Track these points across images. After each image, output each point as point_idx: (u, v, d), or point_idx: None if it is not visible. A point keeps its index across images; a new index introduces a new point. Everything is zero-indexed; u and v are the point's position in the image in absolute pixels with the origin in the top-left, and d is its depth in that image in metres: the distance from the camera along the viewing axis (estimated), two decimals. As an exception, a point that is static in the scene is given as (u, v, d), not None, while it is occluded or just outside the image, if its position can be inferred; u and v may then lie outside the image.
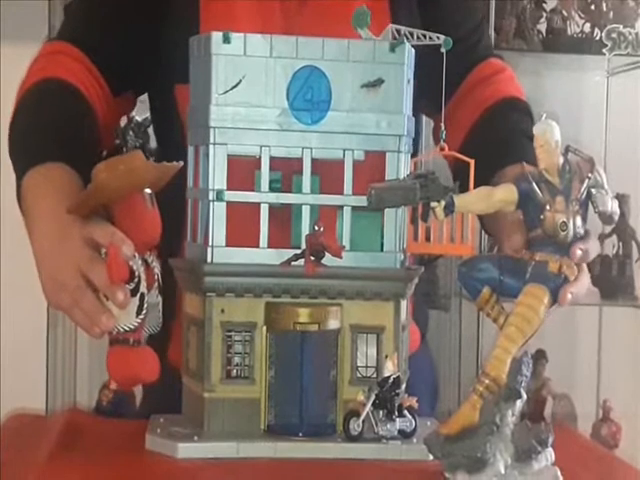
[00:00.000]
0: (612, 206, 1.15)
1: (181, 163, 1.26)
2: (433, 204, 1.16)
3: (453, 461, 1.12)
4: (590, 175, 1.14)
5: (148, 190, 1.21)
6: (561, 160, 1.14)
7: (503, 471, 1.11)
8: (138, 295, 1.21)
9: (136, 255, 1.20)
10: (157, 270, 1.24)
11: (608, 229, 3.00)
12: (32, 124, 1.45)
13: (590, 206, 1.16)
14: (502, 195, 1.15)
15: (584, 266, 1.19)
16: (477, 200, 1.17)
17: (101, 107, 1.51)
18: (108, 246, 1.18)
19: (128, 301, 1.19)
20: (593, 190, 1.14)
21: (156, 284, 1.24)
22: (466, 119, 1.56)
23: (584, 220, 1.15)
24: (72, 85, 1.48)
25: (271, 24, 1.49)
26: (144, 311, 1.21)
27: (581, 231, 1.15)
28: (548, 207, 1.13)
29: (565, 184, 1.14)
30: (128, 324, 1.21)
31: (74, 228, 1.22)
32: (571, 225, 1.13)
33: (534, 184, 1.13)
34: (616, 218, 1.17)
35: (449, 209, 1.15)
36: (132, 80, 1.57)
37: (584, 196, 1.14)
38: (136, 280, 1.20)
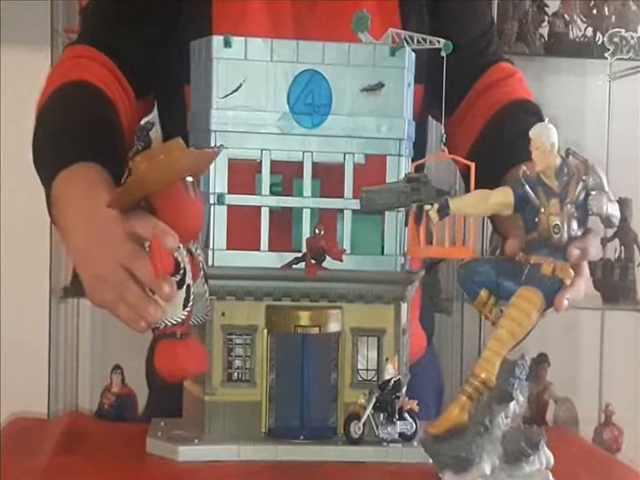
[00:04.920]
0: (609, 208, 1.15)
1: (221, 148, 1.25)
2: (426, 207, 1.16)
3: (441, 460, 1.12)
4: (584, 177, 1.14)
5: (189, 178, 1.18)
6: (558, 162, 1.14)
7: (488, 472, 1.11)
8: (184, 287, 1.17)
9: (180, 246, 1.16)
10: (201, 258, 1.20)
11: (610, 233, 3.00)
12: (58, 127, 1.43)
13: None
14: (498, 198, 1.15)
15: (583, 270, 1.19)
16: (473, 203, 1.17)
17: (124, 109, 1.50)
18: (151, 239, 1.15)
19: (174, 294, 1.16)
20: (592, 192, 1.14)
21: (202, 273, 1.21)
22: (477, 121, 1.56)
23: (582, 223, 1.15)
24: (96, 87, 1.47)
25: (282, 26, 1.49)
26: (190, 302, 1.18)
27: (577, 234, 1.14)
28: (542, 210, 1.13)
29: (562, 187, 1.14)
30: (175, 317, 1.17)
31: (115, 223, 1.19)
32: (565, 228, 1.13)
33: (527, 187, 1.13)
34: (615, 221, 1.17)
35: (444, 212, 1.15)
36: (155, 83, 1.57)
37: (581, 198, 1.14)
38: (182, 272, 1.17)
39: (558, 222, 1.13)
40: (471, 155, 1.53)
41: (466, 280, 1.18)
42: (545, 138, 1.13)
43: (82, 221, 1.26)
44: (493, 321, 1.17)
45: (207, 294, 1.22)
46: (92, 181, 1.30)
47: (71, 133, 1.41)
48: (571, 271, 1.15)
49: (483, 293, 1.17)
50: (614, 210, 1.15)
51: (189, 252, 1.19)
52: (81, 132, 1.40)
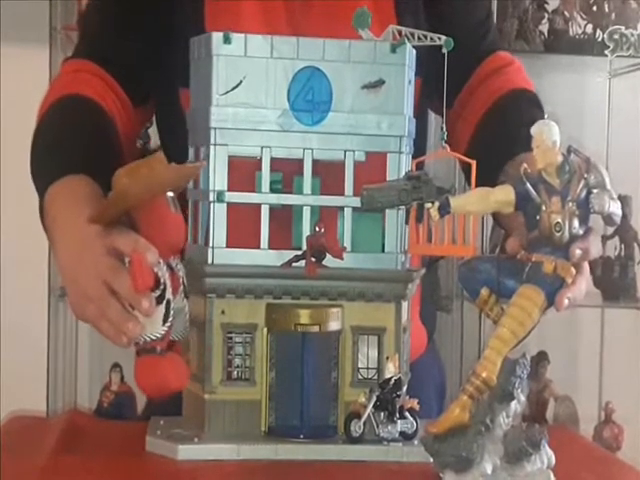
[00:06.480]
0: (610, 207, 1.14)
1: (204, 163, 1.25)
2: (427, 205, 1.16)
3: (442, 460, 1.12)
4: (586, 175, 1.13)
5: (170, 193, 1.19)
6: (560, 160, 1.13)
7: (489, 472, 1.11)
8: (164, 302, 1.18)
9: (161, 261, 1.17)
10: (182, 274, 1.21)
11: (610, 230, 3.00)
12: (53, 141, 1.45)
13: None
14: (499, 196, 1.15)
15: (584, 269, 1.18)
16: (474, 201, 1.16)
17: (121, 120, 1.52)
18: (131, 254, 1.15)
19: (154, 309, 1.16)
20: (594, 190, 1.14)
21: (181, 288, 1.21)
22: (476, 111, 1.56)
23: (584, 221, 1.14)
24: (92, 100, 1.48)
25: (276, 24, 1.49)
26: (170, 318, 1.19)
27: (579, 232, 1.14)
28: (544, 208, 1.13)
29: (564, 185, 1.13)
30: (155, 333, 1.18)
31: (96, 238, 1.20)
32: (566, 226, 1.13)
33: (528, 185, 1.13)
34: (617, 219, 1.16)
35: (444, 210, 1.15)
36: (151, 88, 1.57)
37: (583, 196, 1.13)
38: (162, 287, 1.17)
39: (559, 220, 1.12)
40: (471, 145, 1.53)
41: (467, 278, 1.18)
42: (546, 136, 1.13)
43: (67, 237, 1.28)
44: (494, 320, 1.16)
45: (186, 309, 1.23)
46: (79, 196, 1.31)
47: (64, 146, 1.43)
48: (572, 270, 1.14)
49: (484, 291, 1.16)
50: (616, 208, 1.15)
51: (169, 267, 1.19)
52: (74, 145, 1.42)
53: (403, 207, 1.26)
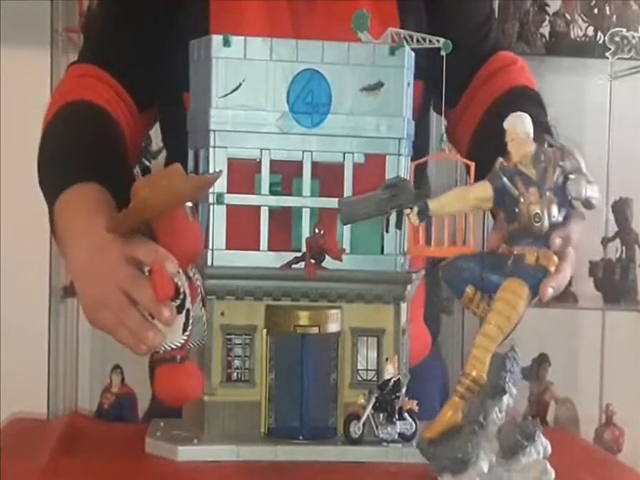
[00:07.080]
0: (587, 191, 1.14)
1: (221, 173, 1.26)
2: (406, 211, 1.16)
3: (439, 463, 1.12)
4: (561, 162, 1.14)
5: (189, 203, 1.20)
6: (533, 149, 1.14)
7: (486, 470, 1.11)
8: (184, 312, 1.19)
9: (180, 271, 1.17)
10: (199, 283, 1.22)
11: (611, 233, 3.00)
12: (59, 149, 1.45)
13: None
14: (477, 193, 1.15)
15: (568, 255, 1.19)
16: (453, 201, 1.17)
17: (127, 125, 1.52)
18: (152, 264, 1.16)
19: (174, 318, 1.17)
20: (571, 176, 1.14)
21: (199, 297, 1.22)
22: (477, 110, 1.56)
23: (563, 207, 1.14)
24: (97, 105, 1.48)
25: (280, 25, 1.49)
26: (190, 327, 1.19)
27: (558, 219, 1.14)
28: (522, 200, 1.13)
29: (540, 174, 1.13)
30: (175, 342, 1.19)
31: (114, 247, 1.20)
32: (545, 215, 1.13)
33: (505, 179, 1.13)
34: (595, 202, 1.16)
35: (424, 214, 1.15)
36: (155, 91, 1.57)
37: (560, 183, 1.14)
38: (181, 297, 1.18)
39: (538, 210, 1.13)
40: (472, 144, 1.53)
41: (451, 278, 1.18)
42: (520, 129, 1.14)
43: (81, 244, 1.27)
44: (481, 316, 1.17)
45: (204, 318, 1.23)
46: (90, 204, 1.31)
47: (71, 154, 1.42)
48: (555, 258, 1.15)
49: (469, 289, 1.16)
50: (593, 192, 1.15)
51: (187, 276, 1.20)
52: (81, 153, 1.42)
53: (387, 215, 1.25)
